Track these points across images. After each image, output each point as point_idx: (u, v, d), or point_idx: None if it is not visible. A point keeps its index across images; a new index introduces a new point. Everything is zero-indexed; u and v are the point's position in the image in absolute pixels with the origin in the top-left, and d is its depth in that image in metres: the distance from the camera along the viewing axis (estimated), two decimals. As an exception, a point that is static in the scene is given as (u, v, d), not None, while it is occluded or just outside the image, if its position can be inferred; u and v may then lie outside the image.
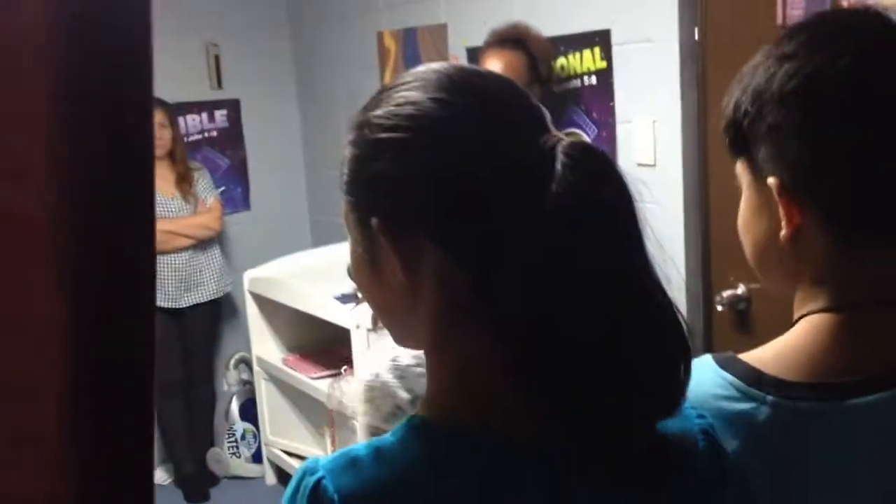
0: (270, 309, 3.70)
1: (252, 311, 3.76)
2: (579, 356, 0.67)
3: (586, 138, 2.93)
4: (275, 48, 4.67)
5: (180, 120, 4.18)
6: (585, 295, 0.67)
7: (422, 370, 1.25)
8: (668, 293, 0.71)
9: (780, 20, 2.32)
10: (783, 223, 0.84)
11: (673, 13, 2.53)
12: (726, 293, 2.53)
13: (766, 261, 0.90)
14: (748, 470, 0.81)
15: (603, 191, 0.69)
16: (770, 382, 0.82)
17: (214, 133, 4.50)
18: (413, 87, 0.75)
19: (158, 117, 3.72)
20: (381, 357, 1.35)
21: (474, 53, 3.14)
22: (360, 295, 2.99)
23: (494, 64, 2.69)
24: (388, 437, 0.73)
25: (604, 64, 2.80)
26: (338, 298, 3.10)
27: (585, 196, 0.68)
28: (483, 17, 3.12)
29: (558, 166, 0.68)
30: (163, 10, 4.32)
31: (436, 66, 0.78)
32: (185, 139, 4.23)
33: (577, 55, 2.88)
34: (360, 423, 1.31)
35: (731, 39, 2.46)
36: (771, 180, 0.84)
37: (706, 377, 0.84)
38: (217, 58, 4.49)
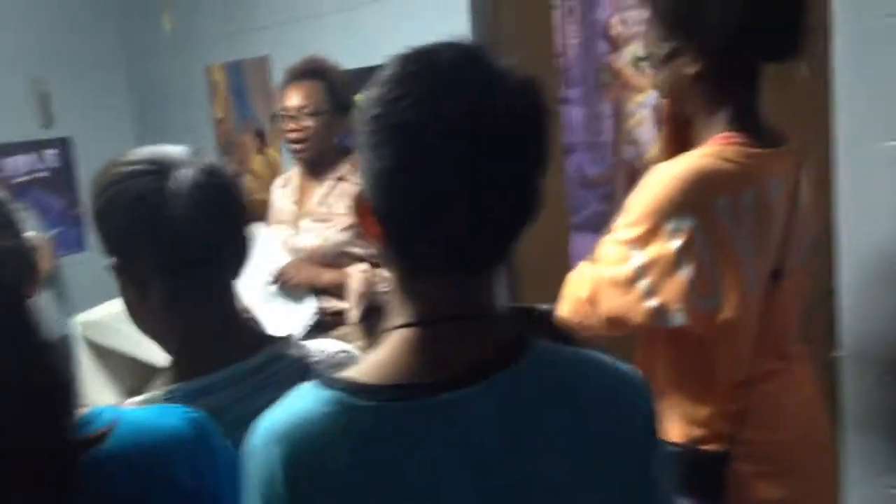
0: (106, 353, 3.62)
1: (84, 357, 3.67)
2: None
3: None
4: (108, 83, 4.59)
5: (4, 162, 4.06)
6: None
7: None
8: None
9: (559, 48, 2.46)
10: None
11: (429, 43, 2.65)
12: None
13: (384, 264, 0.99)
14: (359, 480, 0.85)
15: None
16: (368, 390, 0.88)
17: (45, 173, 4.38)
18: None
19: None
20: None
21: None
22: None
23: (295, 96, 2.73)
24: None
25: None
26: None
27: None
28: (303, 47, 3.16)
29: None
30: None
31: None
32: (11, 181, 4.10)
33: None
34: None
35: (518, 65, 2.59)
36: (357, 190, 0.93)
37: (309, 399, 0.89)
38: (46, 94, 4.38)
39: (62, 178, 4.43)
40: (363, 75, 3.23)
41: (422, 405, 0.87)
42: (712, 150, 1.47)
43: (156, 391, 1.19)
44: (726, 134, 1.49)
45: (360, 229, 0.95)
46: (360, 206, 0.93)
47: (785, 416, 1.55)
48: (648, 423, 0.97)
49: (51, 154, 4.38)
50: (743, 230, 1.46)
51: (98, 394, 3.66)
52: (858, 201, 1.82)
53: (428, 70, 0.89)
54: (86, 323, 3.53)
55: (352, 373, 0.91)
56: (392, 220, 0.90)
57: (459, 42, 0.92)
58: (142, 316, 1.23)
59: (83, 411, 0.96)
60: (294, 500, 0.85)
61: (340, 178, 2.70)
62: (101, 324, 3.48)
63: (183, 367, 1.21)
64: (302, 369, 1.22)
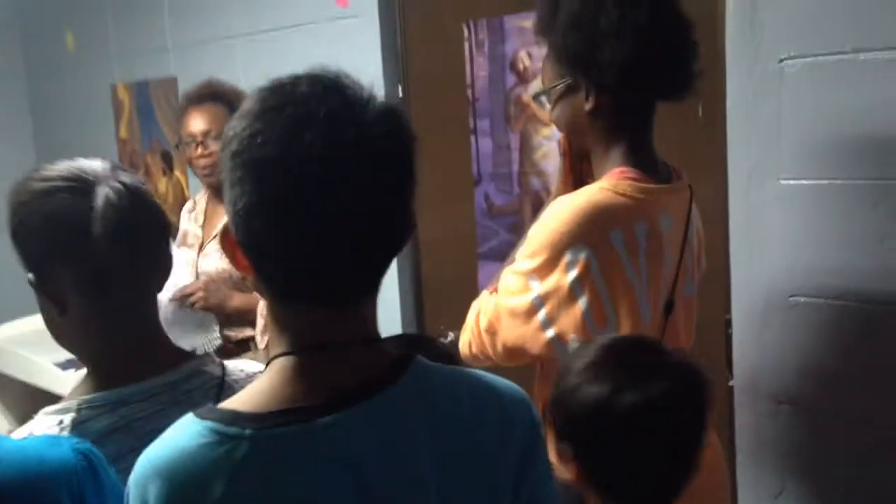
0: (-1, 379, 3.49)
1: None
2: None
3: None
4: (10, 98, 4.46)
5: None
6: None
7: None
8: None
9: (468, 80, 2.50)
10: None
11: (378, 72, 2.66)
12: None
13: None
14: None
15: None
16: (247, 417, 0.88)
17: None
18: None
19: None
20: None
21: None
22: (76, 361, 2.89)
23: (198, 120, 2.70)
24: None
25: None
26: (59, 365, 2.98)
27: None
28: (209, 69, 3.13)
29: None
30: None
31: None
32: None
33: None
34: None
35: (430, 96, 2.62)
36: (222, 224, 0.96)
37: (187, 431, 0.88)
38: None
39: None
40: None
41: (298, 430, 0.87)
42: (608, 184, 1.51)
43: (71, 400, 1.18)
44: (621, 169, 1.54)
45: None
46: (227, 240, 0.93)
47: None
48: (528, 441, 0.98)
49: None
50: (636, 262, 1.51)
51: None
52: (751, 236, 1.89)
53: (285, 104, 0.88)
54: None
55: (230, 403, 0.91)
56: (255, 254, 0.90)
57: (320, 73, 0.91)
58: (60, 330, 1.23)
59: None
60: None
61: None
62: (-5, 349, 3.36)
63: (100, 379, 1.21)
64: (218, 387, 1.23)
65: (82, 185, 1.16)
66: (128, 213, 1.16)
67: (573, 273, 1.47)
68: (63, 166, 1.20)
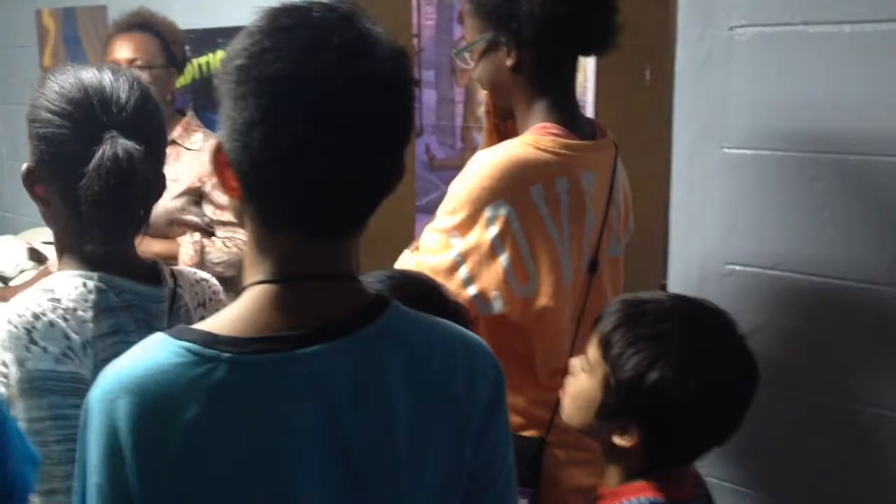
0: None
1: None
2: None
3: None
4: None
5: None
6: None
7: (83, 314, 1.22)
8: None
9: (415, 29, 2.45)
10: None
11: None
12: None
13: (237, 218, 0.97)
14: (211, 430, 0.84)
15: None
16: (225, 341, 0.87)
17: None
18: None
19: None
20: (38, 297, 1.23)
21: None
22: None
23: (124, 47, 2.58)
24: None
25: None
26: None
27: None
28: (142, 2, 3.00)
29: None
30: None
31: None
32: None
33: (234, 49, 2.86)
34: (13, 374, 1.18)
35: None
36: (213, 142, 0.93)
37: (161, 349, 0.87)
38: None
39: None
40: (203, 37, 3.16)
41: (278, 358, 0.87)
42: (529, 139, 1.51)
43: (86, 271, 1.27)
44: (544, 124, 1.54)
45: (214, 182, 0.94)
46: (219, 159, 0.90)
47: None
48: (493, 392, 0.99)
49: None
50: (557, 219, 1.51)
51: None
52: (691, 202, 1.91)
53: (300, 25, 0.87)
54: None
55: (206, 325, 0.89)
56: (252, 174, 0.88)
57: (333, 3, 0.90)
58: (47, 217, 1.33)
59: None
60: (141, 453, 0.83)
61: (173, 142, 2.59)
62: None
63: (88, 269, 1.28)
64: (171, 298, 1.33)
65: (92, 128, 1.22)
66: (126, 175, 1.20)
67: (494, 229, 1.46)
68: (82, 90, 1.25)
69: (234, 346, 0.86)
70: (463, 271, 1.48)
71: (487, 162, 1.48)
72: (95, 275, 1.27)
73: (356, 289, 0.96)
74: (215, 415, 0.84)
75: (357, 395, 0.89)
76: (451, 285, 1.48)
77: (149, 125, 1.28)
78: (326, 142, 0.86)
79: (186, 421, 0.83)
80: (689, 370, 1.23)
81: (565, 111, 1.57)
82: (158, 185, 1.32)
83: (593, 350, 1.32)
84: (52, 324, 1.20)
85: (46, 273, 2.70)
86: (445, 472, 0.96)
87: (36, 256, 2.88)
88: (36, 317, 1.20)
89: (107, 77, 1.27)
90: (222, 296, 1.45)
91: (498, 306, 1.49)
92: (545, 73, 1.55)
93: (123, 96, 1.25)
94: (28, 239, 3.12)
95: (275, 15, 0.89)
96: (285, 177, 0.87)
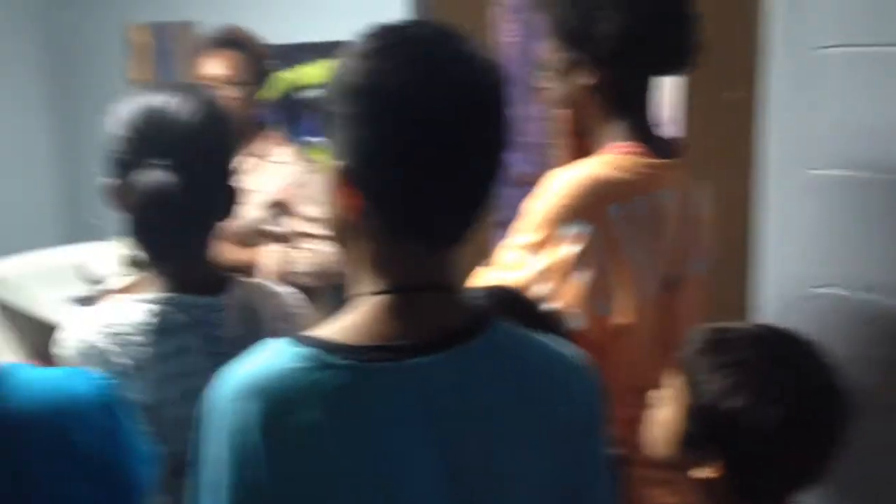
0: (10, 310, 3.48)
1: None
2: None
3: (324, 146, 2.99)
4: (23, 33, 4.40)
5: None
6: None
7: (139, 338, 1.28)
8: None
9: (498, 47, 2.47)
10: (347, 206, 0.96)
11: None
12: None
13: (339, 237, 1.01)
14: (330, 434, 0.89)
15: None
16: (343, 348, 0.91)
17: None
18: None
19: None
20: (86, 325, 1.31)
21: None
22: (93, 298, 2.90)
23: (215, 64, 2.66)
24: None
25: (343, 74, 2.86)
26: (74, 301, 2.98)
27: None
28: (231, 17, 3.09)
29: None
30: None
31: None
32: None
33: (317, 65, 2.92)
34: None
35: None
36: (332, 164, 0.95)
37: (281, 355, 0.91)
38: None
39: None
40: (287, 52, 3.23)
41: (393, 367, 0.91)
42: (608, 158, 1.52)
43: (147, 294, 1.34)
44: (621, 144, 1.54)
45: (332, 199, 0.97)
46: (336, 178, 0.94)
47: None
48: (591, 410, 1.02)
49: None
50: (635, 237, 1.51)
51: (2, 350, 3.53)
52: (776, 224, 1.90)
53: (409, 43, 0.92)
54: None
55: (324, 332, 0.93)
56: (375, 189, 0.92)
57: (426, 21, 0.95)
58: None
59: None
60: (270, 453, 0.87)
61: (255, 156, 2.65)
62: (7, 281, 3.35)
63: (165, 284, 1.35)
64: (252, 310, 1.39)
65: (141, 152, 1.30)
66: (156, 205, 1.28)
67: (572, 247, 1.46)
68: (144, 112, 1.32)
69: (351, 353, 0.91)
70: (541, 289, 1.49)
71: (566, 180, 1.49)
72: (160, 297, 1.33)
73: (463, 301, 0.99)
74: (333, 418, 0.89)
75: (462, 406, 0.93)
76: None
77: (205, 147, 1.34)
78: (441, 153, 0.90)
79: (308, 423, 0.88)
80: (770, 398, 1.21)
81: (643, 130, 1.57)
82: (227, 201, 1.41)
83: (676, 377, 1.32)
84: (102, 351, 1.28)
85: (144, 280, 2.80)
86: (544, 486, 0.98)
87: (133, 262, 2.97)
88: (87, 343, 1.29)
89: (173, 101, 1.33)
90: (296, 309, 1.50)
91: (576, 323, 1.50)
92: (623, 92, 1.56)
93: (181, 120, 1.32)
94: (126, 245, 3.22)
95: (381, 35, 0.93)
96: (403, 190, 0.91)
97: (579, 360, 1.03)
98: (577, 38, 1.52)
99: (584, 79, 1.55)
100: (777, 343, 1.30)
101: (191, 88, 1.40)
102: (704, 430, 1.26)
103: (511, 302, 1.32)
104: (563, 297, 1.48)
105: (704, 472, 1.26)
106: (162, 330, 1.31)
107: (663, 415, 1.34)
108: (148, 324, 1.31)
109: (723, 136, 1.96)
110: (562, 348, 1.03)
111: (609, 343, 1.53)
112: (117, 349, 1.28)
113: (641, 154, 1.53)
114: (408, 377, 0.91)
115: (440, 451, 0.92)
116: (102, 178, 1.34)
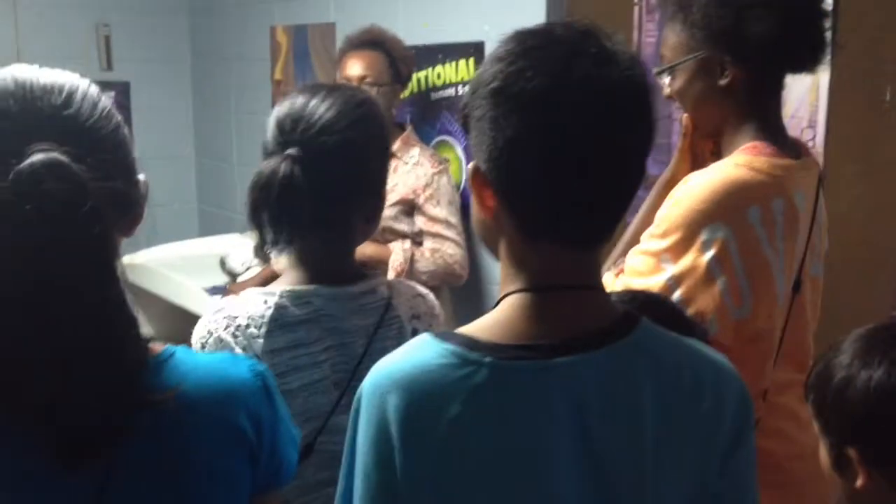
0: (143, 298, 3.65)
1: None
2: None
3: (458, 146, 3.01)
4: (171, 33, 4.62)
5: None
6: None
7: (255, 331, 1.32)
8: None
9: (635, 46, 2.43)
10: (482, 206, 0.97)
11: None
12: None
13: (483, 237, 1.03)
14: (470, 430, 0.89)
15: None
16: (486, 346, 0.91)
17: (101, 115, 4.40)
18: None
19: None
20: (215, 316, 1.36)
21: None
22: (229, 287, 3.01)
23: (356, 65, 2.72)
24: None
25: (478, 74, 2.86)
26: (207, 290, 3.09)
27: None
28: (370, 18, 3.16)
29: None
30: (51, -13, 4.24)
31: None
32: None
33: (454, 64, 2.94)
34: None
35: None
36: (471, 165, 0.96)
37: (427, 350, 0.92)
38: (107, 38, 4.42)
39: (117, 121, 4.45)
40: (422, 52, 3.27)
41: (536, 366, 0.91)
42: (742, 159, 1.49)
43: (276, 287, 1.38)
44: (754, 144, 1.51)
45: (474, 200, 0.98)
46: (476, 179, 0.95)
47: (799, 428, 1.57)
48: (741, 419, 0.98)
49: (108, 96, 4.36)
50: (773, 240, 1.48)
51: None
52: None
53: (549, 43, 0.91)
54: (129, 265, 3.52)
55: (467, 330, 0.94)
56: (515, 190, 0.92)
57: (571, 22, 0.94)
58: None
59: (157, 349, 1.00)
60: (406, 447, 0.89)
61: (392, 155, 2.69)
62: (144, 268, 3.50)
63: (301, 275, 1.40)
64: (385, 307, 1.41)
65: (278, 145, 1.36)
66: (283, 192, 1.30)
67: (710, 252, 1.44)
68: (286, 109, 1.38)
69: (494, 351, 0.90)
70: (677, 294, 1.46)
71: (702, 184, 1.46)
72: (279, 291, 1.37)
73: (607, 301, 0.98)
74: (475, 415, 0.89)
75: (606, 407, 0.91)
76: None
77: (338, 142, 1.36)
78: (584, 151, 0.89)
79: (448, 419, 0.88)
80: None
81: (775, 131, 1.55)
82: (369, 195, 1.43)
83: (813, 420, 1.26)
84: (220, 339, 1.33)
85: (270, 270, 2.89)
86: (690, 491, 0.96)
87: (261, 254, 3.06)
88: (209, 332, 1.35)
89: (312, 97, 1.38)
90: (437, 310, 1.51)
91: (713, 329, 1.46)
92: (759, 93, 1.54)
93: (316, 115, 1.36)
94: (254, 237, 3.33)
95: (522, 38, 0.93)
96: (545, 189, 0.91)
97: (728, 365, 1.01)
98: (724, 37, 1.50)
99: (719, 79, 1.52)
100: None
101: (347, 87, 1.46)
102: (840, 432, 1.19)
103: (653, 305, 1.29)
104: (700, 302, 1.46)
105: (856, 485, 1.19)
106: (277, 325, 1.34)
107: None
108: (272, 317, 1.34)
109: (872, 136, 1.86)
110: (711, 352, 1.01)
111: (740, 347, 1.50)
112: (241, 341, 1.32)
113: (776, 154, 1.51)
114: (549, 376, 0.90)
115: (583, 451, 0.90)
116: (257, 167, 1.40)
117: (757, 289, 1.47)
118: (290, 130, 1.36)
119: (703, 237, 1.44)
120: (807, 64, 1.54)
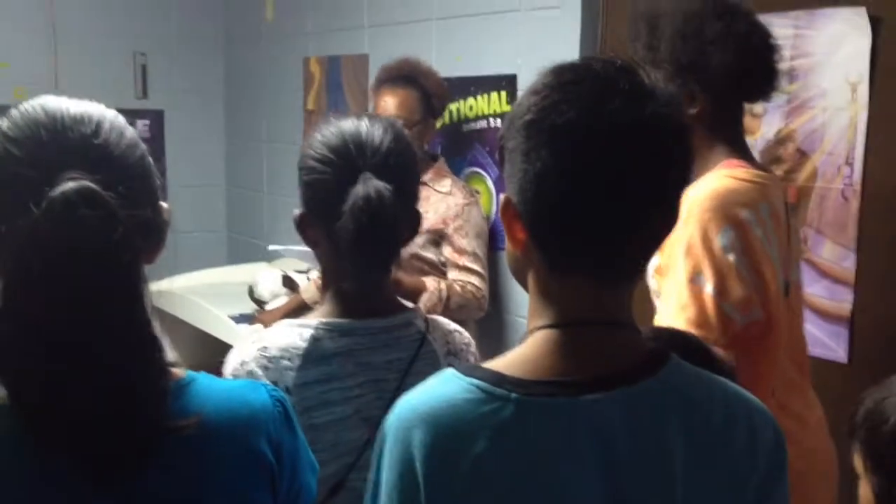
0: (170, 324, 3.65)
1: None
2: None
3: (489, 179, 3.01)
4: (205, 63, 4.69)
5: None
6: None
7: (287, 363, 1.30)
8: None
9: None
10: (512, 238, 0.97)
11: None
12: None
13: (513, 270, 1.03)
14: (495, 466, 0.87)
15: None
16: (512, 382, 0.90)
17: (135, 142, 4.46)
18: None
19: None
20: (249, 346, 1.35)
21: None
22: (257, 315, 3.01)
23: (388, 100, 2.73)
24: None
25: (509, 107, 2.86)
26: (233, 318, 3.10)
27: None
28: (402, 49, 3.18)
29: None
30: (91, 15, 4.32)
31: None
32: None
33: (486, 97, 2.95)
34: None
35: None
36: (503, 196, 0.96)
37: (453, 385, 0.91)
38: (144, 67, 4.49)
39: (151, 147, 4.48)
40: (455, 84, 3.26)
41: (563, 403, 0.89)
42: (724, 172, 1.60)
43: (312, 319, 1.37)
44: (729, 161, 1.62)
45: (505, 233, 0.98)
46: (508, 212, 0.94)
47: (803, 429, 1.62)
48: (773, 460, 0.96)
49: (142, 124, 4.47)
50: (766, 239, 1.57)
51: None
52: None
53: (586, 77, 0.91)
54: (156, 292, 3.53)
55: (493, 365, 0.93)
56: (545, 224, 0.92)
57: (607, 57, 0.94)
58: (317, 253, 1.43)
59: (178, 374, 1.01)
60: (431, 483, 0.87)
61: (424, 184, 2.69)
62: (173, 294, 3.51)
63: (336, 308, 1.38)
64: (420, 341, 1.39)
65: (348, 171, 1.31)
66: (376, 213, 1.27)
67: (731, 255, 1.50)
68: (341, 137, 1.35)
69: (521, 387, 0.89)
70: (727, 307, 1.50)
71: (698, 197, 1.53)
72: (315, 323, 1.35)
73: (636, 338, 0.97)
74: (501, 451, 0.87)
75: (634, 446, 0.89)
76: (718, 326, 1.49)
77: (400, 167, 1.36)
78: (621, 190, 0.88)
79: (474, 454, 0.87)
80: None
81: (744, 151, 1.67)
82: (412, 223, 1.41)
83: (858, 458, 1.24)
84: (251, 372, 1.31)
85: (298, 300, 2.90)
86: None
87: (289, 283, 3.07)
88: (242, 363, 1.33)
89: (363, 124, 1.37)
90: (473, 347, 1.50)
91: (756, 314, 1.52)
92: (725, 119, 1.64)
93: (377, 141, 1.35)
94: (282, 267, 3.34)
95: (559, 71, 0.93)
96: (573, 223, 0.90)
97: (758, 404, 0.98)
98: (690, 69, 1.59)
99: (689, 107, 1.60)
100: None
101: (372, 115, 1.43)
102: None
103: (679, 342, 1.27)
104: (744, 301, 1.50)
105: None
106: (310, 358, 1.33)
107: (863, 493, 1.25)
108: (307, 350, 1.33)
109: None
110: (742, 391, 0.99)
111: (755, 344, 1.54)
112: (273, 374, 1.31)
113: (751, 167, 1.62)
114: (577, 414, 0.89)
115: (609, 490, 0.89)
116: (287, 199, 1.40)
117: (767, 286, 1.54)
118: (358, 155, 1.33)
119: (719, 243, 1.51)
120: (766, 93, 1.67)
